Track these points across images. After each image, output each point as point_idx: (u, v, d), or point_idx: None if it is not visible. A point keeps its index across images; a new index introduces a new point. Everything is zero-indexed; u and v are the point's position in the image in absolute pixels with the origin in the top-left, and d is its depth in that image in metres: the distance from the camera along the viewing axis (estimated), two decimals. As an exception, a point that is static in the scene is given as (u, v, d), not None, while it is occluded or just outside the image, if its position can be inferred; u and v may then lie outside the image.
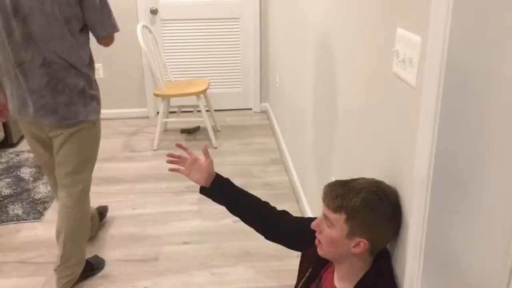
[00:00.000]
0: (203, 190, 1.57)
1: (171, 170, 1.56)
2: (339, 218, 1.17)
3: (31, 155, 3.56)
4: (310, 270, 1.37)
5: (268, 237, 1.56)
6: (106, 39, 2.04)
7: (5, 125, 3.64)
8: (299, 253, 1.51)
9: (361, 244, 1.16)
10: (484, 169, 1.00)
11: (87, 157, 2.11)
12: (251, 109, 4.57)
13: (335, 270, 1.29)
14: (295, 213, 1.58)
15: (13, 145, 3.75)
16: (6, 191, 3.05)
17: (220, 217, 2.75)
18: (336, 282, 1.28)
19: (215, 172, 1.57)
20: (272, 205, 1.58)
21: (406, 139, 1.16)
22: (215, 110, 4.23)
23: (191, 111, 4.37)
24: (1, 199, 2.97)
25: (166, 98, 3.74)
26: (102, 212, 2.73)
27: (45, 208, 2.87)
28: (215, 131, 4.04)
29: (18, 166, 3.41)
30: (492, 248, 1.04)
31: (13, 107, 2.02)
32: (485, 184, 1.01)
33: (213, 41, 4.28)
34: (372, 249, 1.19)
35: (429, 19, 0.97)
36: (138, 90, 4.37)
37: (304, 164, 2.73)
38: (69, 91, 1.95)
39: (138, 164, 3.48)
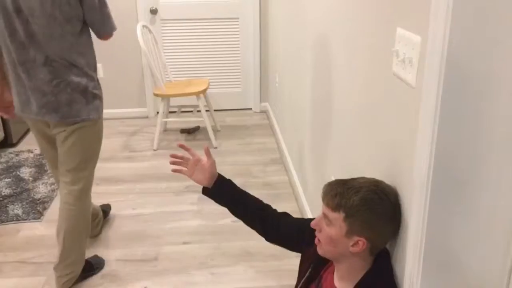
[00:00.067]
0: (205, 191, 1.57)
1: (174, 171, 1.56)
2: (338, 217, 1.17)
3: (31, 155, 3.57)
4: (310, 270, 1.37)
5: (269, 238, 1.56)
6: (104, 37, 2.08)
7: (5, 125, 3.64)
8: (298, 253, 1.52)
9: (360, 243, 1.16)
10: (484, 169, 1.00)
11: (89, 155, 2.13)
12: (251, 109, 4.57)
13: (335, 270, 1.29)
14: (294, 213, 1.58)
15: (13, 145, 3.75)
16: (6, 191, 3.05)
17: (220, 217, 2.75)
18: (336, 282, 1.28)
19: (218, 173, 1.57)
20: (272, 205, 1.59)
21: (406, 139, 1.16)
22: (215, 110, 4.23)
23: (191, 111, 4.37)
24: (1, 199, 2.97)
25: (166, 98, 3.74)
26: (105, 210, 2.75)
27: (45, 208, 2.87)
28: (215, 131, 4.04)
29: (18, 166, 3.41)
30: (492, 248, 1.04)
31: (16, 104, 2.04)
32: (485, 184, 1.01)
33: (213, 41, 4.28)
34: (372, 248, 1.19)
35: (429, 19, 0.97)
36: (138, 90, 4.37)
37: (304, 164, 2.73)
38: (71, 89, 1.97)
39: (138, 164, 3.49)
